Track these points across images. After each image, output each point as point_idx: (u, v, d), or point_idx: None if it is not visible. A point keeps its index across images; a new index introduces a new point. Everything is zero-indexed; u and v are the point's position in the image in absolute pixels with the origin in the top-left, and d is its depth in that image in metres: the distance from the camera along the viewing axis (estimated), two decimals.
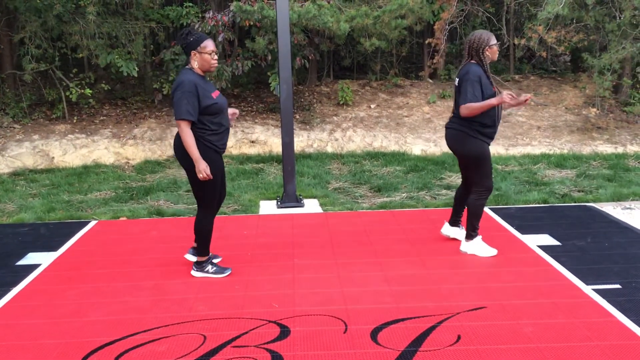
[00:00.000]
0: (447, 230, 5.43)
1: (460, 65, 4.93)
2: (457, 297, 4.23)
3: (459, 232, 5.36)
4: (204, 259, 4.69)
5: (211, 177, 4.29)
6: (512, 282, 4.47)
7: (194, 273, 4.70)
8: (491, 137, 4.86)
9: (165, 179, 8.25)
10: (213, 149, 4.37)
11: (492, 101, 4.62)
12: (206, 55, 4.30)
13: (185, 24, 10.75)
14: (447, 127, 4.99)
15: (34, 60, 9.91)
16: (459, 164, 5.21)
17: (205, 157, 4.30)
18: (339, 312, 4.02)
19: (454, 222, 5.40)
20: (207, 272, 4.68)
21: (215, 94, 4.37)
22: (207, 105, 4.26)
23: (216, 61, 4.40)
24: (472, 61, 4.76)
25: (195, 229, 4.58)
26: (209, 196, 4.50)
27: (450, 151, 5.13)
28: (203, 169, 4.23)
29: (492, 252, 5.03)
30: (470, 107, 4.64)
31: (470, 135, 4.78)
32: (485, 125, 4.76)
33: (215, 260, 4.88)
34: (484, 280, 4.51)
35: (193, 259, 4.79)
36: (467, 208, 5.01)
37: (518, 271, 4.68)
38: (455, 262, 4.92)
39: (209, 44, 4.32)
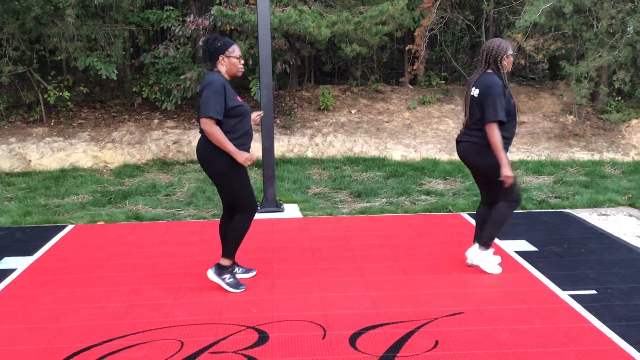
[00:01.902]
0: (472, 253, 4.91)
1: (475, 73, 4.61)
2: (435, 302, 4.25)
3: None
4: (228, 263, 4.50)
5: (254, 159, 4.28)
6: (490, 288, 4.50)
7: (210, 275, 4.51)
8: (508, 147, 4.57)
9: (144, 183, 8.19)
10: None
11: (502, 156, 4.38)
12: (234, 59, 4.27)
13: (165, 27, 10.71)
14: (461, 141, 4.67)
15: (12, 62, 9.80)
16: (475, 179, 4.88)
17: (224, 160, 4.22)
18: (318, 318, 4.02)
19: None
20: (224, 279, 4.49)
21: (239, 98, 4.32)
22: (233, 106, 4.18)
23: (243, 66, 4.38)
24: (489, 70, 4.51)
25: (231, 232, 4.40)
26: (246, 197, 4.39)
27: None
28: (245, 159, 4.23)
29: (497, 270, 4.78)
30: (493, 128, 4.37)
31: (486, 147, 4.47)
32: (504, 137, 4.46)
33: (250, 275, 4.77)
34: (462, 286, 4.54)
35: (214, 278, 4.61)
36: (493, 214, 4.66)
37: (495, 277, 4.71)
38: (434, 267, 4.95)
39: (236, 49, 4.29)
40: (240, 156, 4.21)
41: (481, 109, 4.44)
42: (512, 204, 4.65)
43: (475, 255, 4.81)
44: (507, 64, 4.53)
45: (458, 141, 4.74)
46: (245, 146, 4.36)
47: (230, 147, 4.17)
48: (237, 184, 4.35)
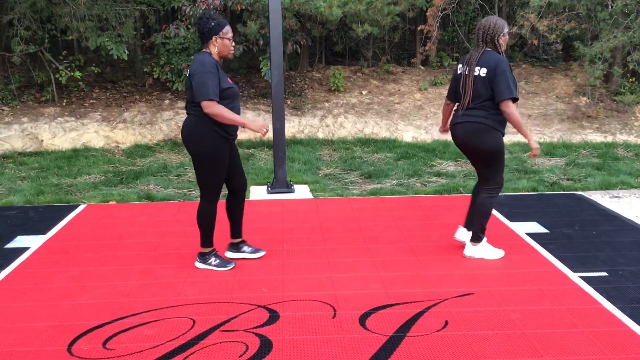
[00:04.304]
0: (463, 235, 4.89)
1: (472, 52, 4.49)
2: (445, 283, 4.26)
3: None
4: (207, 250, 4.55)
5: (268, 128, 4.29)
6: (500, 269, 4.50)
7: (197, 264, 4.58)
8: (504, 127, 4.54)
9: (155, 164, 8.23)
10: (220, 135, 4.24)
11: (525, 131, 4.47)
12: (227, 40, 4.24)
13: (176, 7, 10.67)
14: (460, 122, 4.51)
15: (23, 42, 9.79)
16: (472, 161, 4.71)
17: (209, 144, 4.21)
18: (328, 298, 4.04)
19: (471, 224, 4.83)
20: (210, 264, 4.55)
21: (229, 80, 4.29)
22: (224, 88, 4.16)
23: (233, 48, 4.37)
24: (488, 49, 4.41)
25: (197, 219, 4.46)
26: (213, 185, 4.37)
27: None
28: (261, 126, 4.24)
29: (500, 253, 4.73)
30: (511, 106, 4.33)
31: (492, 127, 4.40)
32: (502, 118, 4.44)
33: (258, 255, 4.78)
34: (472, 267, 4.54)
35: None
36: (477, 207, 4.62)
37: (506, 258, 4.71)
38: (444, 249, 4.95)
39: (229, 30, 4.26)
40: (254, 124, 4.23)
41: (491, 88, 4.35)
42: (494, 192, 4.58)
43: (472, 251, 4.72)
44: (504, 42, 4.46)
45: (455, 123, 4.59)
46: (232, 128, 4.33)
47: (240, 119, 4.21)
48: (214, 171, 4.32)
